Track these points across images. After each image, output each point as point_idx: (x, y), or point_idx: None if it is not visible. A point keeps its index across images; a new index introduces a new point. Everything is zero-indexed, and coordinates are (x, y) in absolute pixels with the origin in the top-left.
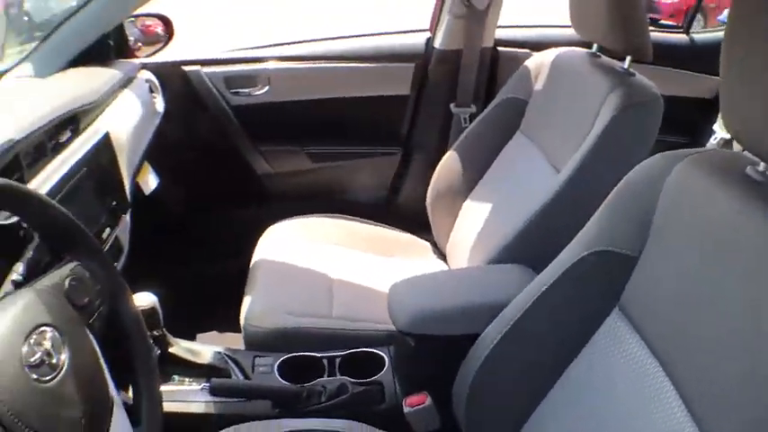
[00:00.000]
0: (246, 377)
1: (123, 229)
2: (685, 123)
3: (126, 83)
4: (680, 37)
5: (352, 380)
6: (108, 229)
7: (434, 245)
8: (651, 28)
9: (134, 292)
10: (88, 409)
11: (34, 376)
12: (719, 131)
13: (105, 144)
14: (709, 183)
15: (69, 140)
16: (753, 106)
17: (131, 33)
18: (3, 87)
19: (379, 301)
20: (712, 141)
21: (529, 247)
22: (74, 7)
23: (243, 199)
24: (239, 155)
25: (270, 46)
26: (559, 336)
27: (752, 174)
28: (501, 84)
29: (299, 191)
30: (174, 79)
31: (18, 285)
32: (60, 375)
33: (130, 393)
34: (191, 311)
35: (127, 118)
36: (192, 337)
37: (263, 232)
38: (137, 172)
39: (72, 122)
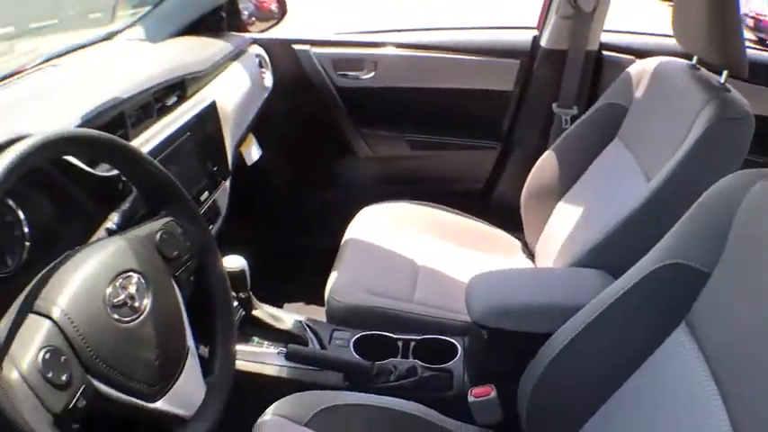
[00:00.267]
0: (323, 348)
1: (222, 194)
2: None
3: (236, 56)
4: None
5: (424, 364)
6: (206, 193)
7: (525, 244)
8: (757, 47)
9: (225, 255)
10: (163, 352)
11: (115, 316)
12: None
13: (211, 112)
14: None
15: (175, 105)
16: None
17: (246, 8)
18: (113, 48)
19: (460, 291)
20: None
21: (611, 253)
22: None
23: (340, 178)
24: (341, 136)
25: (378, 32)
26: (625, 344)
27: None
28: (604, 88)
29: (396, 176)
30: (283, 56)
31: (111, 233)
32: (140, 318)
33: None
34: (279, 281)
35: (234, 89)
36: (278, 305)
37: (356, 212)
38: (240, 142)
39: (179, 88)
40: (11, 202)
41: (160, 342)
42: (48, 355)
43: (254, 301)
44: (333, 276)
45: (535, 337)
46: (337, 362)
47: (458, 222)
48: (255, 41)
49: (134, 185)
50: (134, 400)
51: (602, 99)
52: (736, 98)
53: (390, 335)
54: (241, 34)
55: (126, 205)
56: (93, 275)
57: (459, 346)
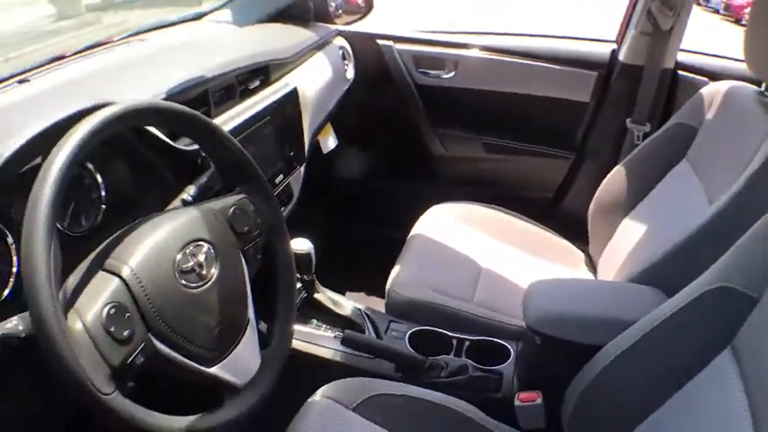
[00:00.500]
0: (378, 337)
1: (296, 178)
2: None
3: (321, 46)
4: None
5: (475, 364)
6: (281, 176)
7: (588, 257)
8: None
9: (294, 238)
10: (224, 320)
11: (182, 281)
12: None
13: (292, 98)
14: None
15: (258, 89)
16: None
17: (334, 0)
18: (200, 29)
19: (519, 297)
20: None
21: (668, 272)
22: None
23: (413, 175)
24: (417, 133)
25: (461, 33)
26: (672, 363)
27: None
28: (677, 107)
29: (468, 177)
30: (366, 50)
31: (186, 204)
32: (206, 286)
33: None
34: (343, 269)
35: (316, 78)
36: (339, 292)
37: (425, 209)
38: (318, 130)
39: (263, 73)
40: (90, 166)
41: (222, 310)
42: (112, 311)
43: (317, 284)
44: (396, 270)
45: (586, 348)
46: (391, 352)
47: (525, 229)
48: (340, 33)
49: (212, 161)
50: (190, 362)
51: (673, 118)
52: None
53: (446, 332)
54: (327, 25)
55: (203, 179)
56: (165, 240)
57: (511, 351)
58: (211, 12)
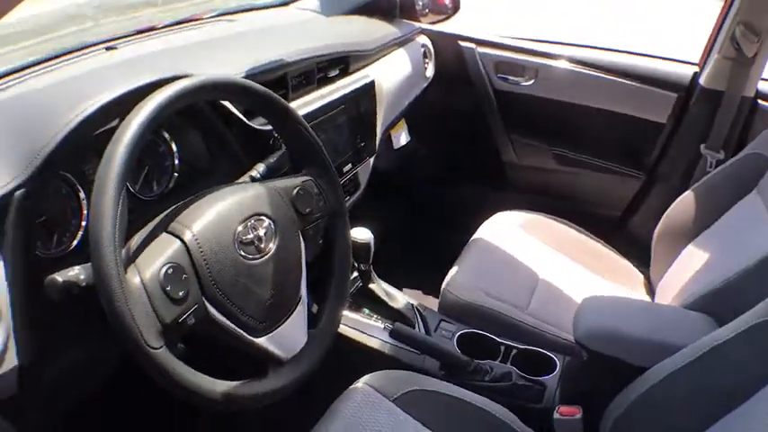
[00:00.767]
0: (427, 334)
1: (364, 169)
2: None
3: (403, 42)
4: None
5: (520, 372)
6: (350, 165)
7: (648, 279)
8: None
9: (356, 227)
10: (276, 294)
11: (241, 252)
12: None
13: (369, 90)
14: None
15: (336, 78)
16: None
17: None
18: (286, 15)
19: (573, 311)
20: None
21: (723, 301)
22: None
23: (481, 179)
24: (490, 137)
25: (543, 41)
26: (716, 391)
27: None
28: (753, 136)
29: (535, 186)
30: (448, 51)
31: (254, 181)
32: (263, 259)
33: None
34: (400, 264)
35: (395, 73)
36: (396, 286)
37: (489, 214)
38: (392, 125)
39: (343, 62)
40: (167, 135)
41: (276, 285)
42: (170, 271)
43: (374, 275)
44: (453, 270)
45: (631, 368)
46: (437, 350)
47: (588, 245)
48: (424, 32)
49: (283, 142)
50: (239, 330)
51: (748, 148)
52: None
53: (495, 337)
54: (411, 22)
55: (272, 159)
56: (228, 211)
57: (558, 363)
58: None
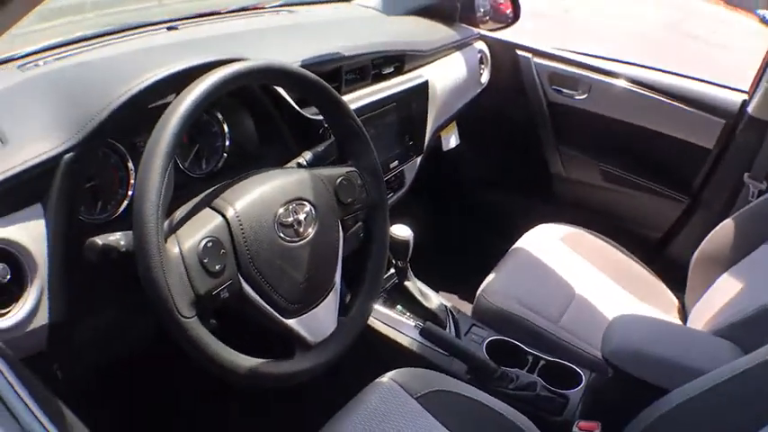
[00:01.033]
0: (458, 337)
1: (410, 168)
2: None
3: (460, 46)
4: None
5: (544, 383)
6: (396, 162)
7: (683, 304)
8: None
9: (396, 224)
10: (310, 278)
11: (280, 234)
12: None
13: (421, 90)
14: None
15: (390, 75)
16: None
17: (482, 5)
18: (347, 11)
19: (604, 329)
20: None
21: (751, 331)
22: None
23: (526, 188)
24: (539, 148)
25: (599, 57)
26: (736, 419)
27: None
28: None
29: (580, 201)
30: (504, 59)
31: (300, 167)
32: (301, 243)
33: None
34: (440, 265)
35: (450, 76)
36: (431, 286)
37: (531, 225)
38: (442, 127)
39: (398, 61)
40: (220, 116)
41: (311, 269)
42: (209, 244)
43: (410, 273)
44: (490, 277)
45: (654, 388)
46: (466, 353)
47: (626, 264)
48: (482, 38)
49: (332, 133)
50: (270, 309)
51: None
52: None
53: (524, 347)
54: (470, 27)
55: (320, 148)
56: (271, 192)
57: (583, 378)
58: None
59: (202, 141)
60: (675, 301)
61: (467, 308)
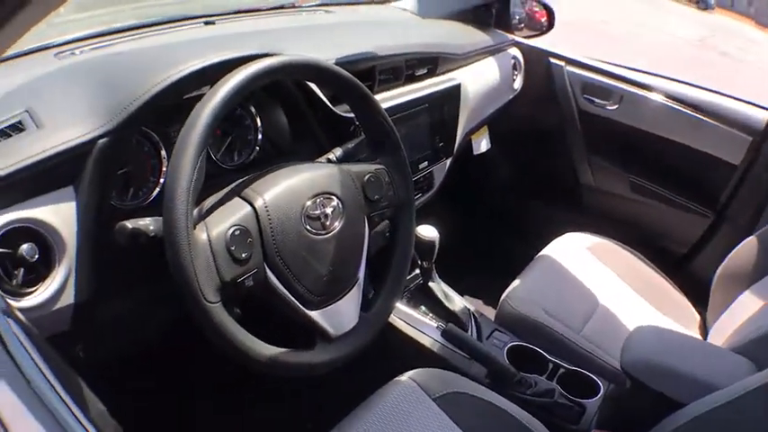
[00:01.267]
0: (479, 340)
1: (440, 169)
2: None
3: (494, 51)
4: None
5: (563, 391)
6: (426, 163)
7: (704, 320)
8: None
9: (424, 224)
10: (334, 272)
11: (307, 226)
12: None
13: (454, 93)
14: None
15: (423, 77)
16: None
17: (517, 13)
18: (383, 12)
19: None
20: None
21: (766, 349)
22: None
23: (554, 196)
24: (569, 157)
25: (631, 69)
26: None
27: None
28: None
29: (608, 212)
30: (537, 66)
31: (330, 163)
32: (326, 236)
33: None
34: (466, 268)
35: (482, 80)
36: (456, 289)
37: (558, 233)
38: (473, 131)
39: (431, 63)
40: (254, 110)
41: (335, 263)
42: (237, 232)
43: (435, 274)
44: (515, 283)
45: (670, 401)
46: (486, 357)
47: (651, 277)
48: (516, 44)
49: (363, 130)
50: (294, 300)
51: None
52: None
53: (545, 354)
54: (505, 33)
55: (350, 145)
56: (300, 185)
57: (602, 388)
58: None
59: (235, 134)
60: (697, 316)
61: (490, 313)
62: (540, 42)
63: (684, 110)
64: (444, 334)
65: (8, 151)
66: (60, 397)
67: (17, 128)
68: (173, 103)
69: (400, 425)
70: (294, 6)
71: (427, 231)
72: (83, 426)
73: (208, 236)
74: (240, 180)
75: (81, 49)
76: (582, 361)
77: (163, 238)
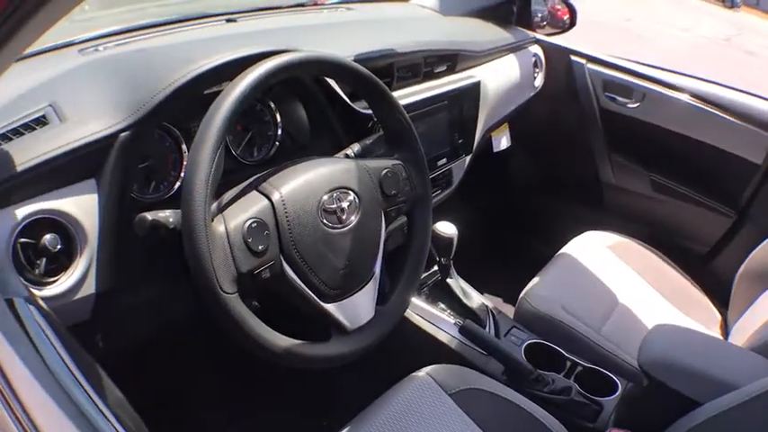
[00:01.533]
0: (497, 337)
1: (459, 166)
2: None
3: (514, 49)
4: None
5: (580, 389)
6: (445, 159)
7: (725, 320)
8: None
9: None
10: (351, 266)
11: (323, 220)
12: None
13: (473, 90)
14: None
15: (442, 74)
16: None
17: (540, 11)
18: (404, 10)
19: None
20: None
21: None
22: None
23: (575, 194)
24: (590, 155)
25: (653, 66)
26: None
27: None
28: None
29: (629, 210)
30: (559, 64)
31: (347, 158)
32: (343, 230)
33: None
34: (485, 266)
35: (503, 78)
36: (474, 286)
37: (578, 231)
38: (493, 128)
39: (450, 60)
40: (273, 105)
41: (351, 256)
42: (254, 225)
43: (453, 270)
44: (534, 281)
45: (687, 400)
46: (503, 353)
47: (672, 276)
48: (538, 42)
49: (381, 126)
50: (309, 293)
51: None
52: None
53: (563, 351)
54: (526, 31)
55: (368, 141)
56: (317, 179)
57: (619, 387)
58: None
59: (255, 129)
60: (718, 316)
61: (509, 310)
62: (561, 40)
63: (707, 108)
64: (462, 330)
65: (32, 144)
66: (80, 383)
67: (41, 121)
68: (193, 98)
69: (416, 420)
70: (315, 4)
71: (446, 228)
72: (101, 412)
73: (225, 228)
74: (258, 175)
75: (104, 46)
76: (600, 359)
77: (182, 229)
